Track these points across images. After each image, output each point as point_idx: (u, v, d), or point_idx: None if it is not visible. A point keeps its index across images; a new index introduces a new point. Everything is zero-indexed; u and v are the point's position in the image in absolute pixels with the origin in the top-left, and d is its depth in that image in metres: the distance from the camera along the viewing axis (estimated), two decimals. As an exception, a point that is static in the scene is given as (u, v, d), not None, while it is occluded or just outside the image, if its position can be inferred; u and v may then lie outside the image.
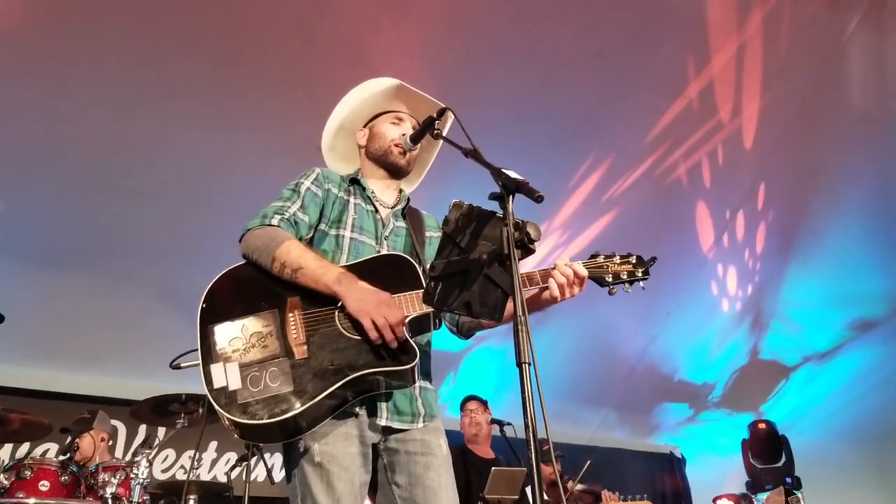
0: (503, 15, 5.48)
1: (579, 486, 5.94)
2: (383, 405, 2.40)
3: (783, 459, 8.93)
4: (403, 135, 2.73)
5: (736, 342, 8.92)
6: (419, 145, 2.75)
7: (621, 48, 5.80)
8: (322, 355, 2.30)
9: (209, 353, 2.28)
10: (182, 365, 2.61)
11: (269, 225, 2.45)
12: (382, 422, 2.39)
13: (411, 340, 2.33)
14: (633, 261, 2.62)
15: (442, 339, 2.77)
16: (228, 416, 2.19)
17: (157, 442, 5.09)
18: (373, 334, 2.25)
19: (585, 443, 8.99)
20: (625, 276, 2.59)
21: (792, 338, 8.98)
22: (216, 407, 2.20)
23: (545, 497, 5.38)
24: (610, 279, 2.58)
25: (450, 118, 2.65)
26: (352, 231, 2.60)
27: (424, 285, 2.37)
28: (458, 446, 5.63)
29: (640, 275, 2.61)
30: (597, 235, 7.25)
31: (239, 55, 5.42)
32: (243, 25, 5.27)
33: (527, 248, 2.04)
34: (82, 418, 5.46)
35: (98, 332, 6.82)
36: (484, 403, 5.93)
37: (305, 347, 2.30)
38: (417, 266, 2.47)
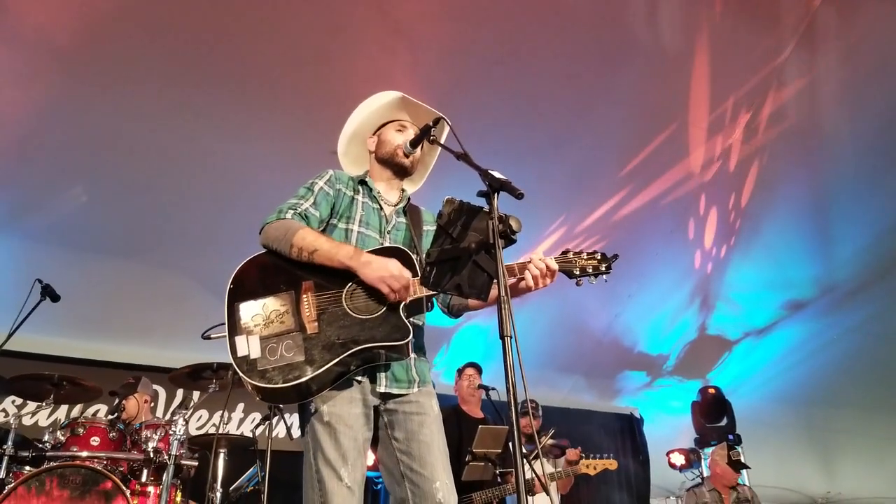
0: (492, 42, 5.48)
1: (550, 441, 5.93)
2: (382, 374, 2.43)
3: (726, 420, 8.96)
4: (405, 140, 2.74)
5: (686, 319, 8.95)
6: (419, 149, 2.75)
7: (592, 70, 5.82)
8: (330, 331, 2.32)
9: (235, 327, 2.32)
10: (212, 336, 2.61)
11: (284, 218, 2.46)
12: (382, 388, 2.42)
13: (406, 320, 2.35)
14: (598, 257, 2.62)
15: (436, 316, 2.78)
16: (250, 381, 2.23)
17: (192, 403, 5.07)
18: (391, 297, 2.32)
19: (558, 405, 9.01)
20: (590, 271, 2.59)
21: (734, 316, 9.02)
22: (239, 373, 2.24)
23: (523, 449, 5.38)
24: (577, 272, 2.58)
25: (445, 126, 2.65)
26: (359, 225, 2.61)
27: (420, 273, 2.41)
28: (452, 407, 5.62)
29: (603, 269, 2.60)
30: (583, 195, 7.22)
31: (265, 77, 5.43)
32: (270, 53, 5.28)
33: (509, 239, 2.06)
34: (128, 383, 5.46)
35: (142, 310, 6.83)
36: (480, 370, 5.89)
37: (316, 324, 2.32)
38: (414, 256, 2.49)
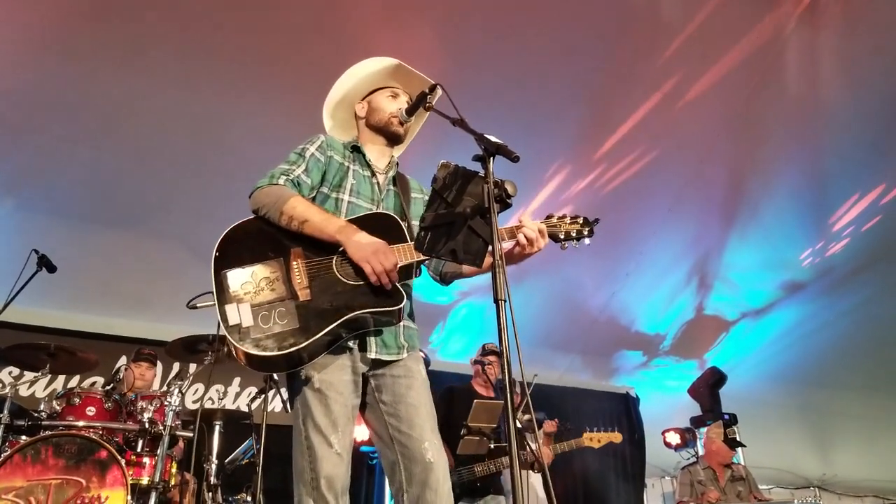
0: (490, 13, 5.45)
1: (526, 417, 5.92)
2: (372, 340, 2.43)
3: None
4: (400, 108, 2.71)
5: (684, 299, 8.95)
6: (414, 117, 2.73)
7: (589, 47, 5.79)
8: (322, 298, 2.30)
9: (223, 295, 2.28)
10: (198, 305, 2.56)
11: (276, 184, 2.43)
12: (372, 354, 2.42)
13: (398, 285, 2.35)
14: (580, 221, 2.66)
15: (432, 293, 2.78)
16: (243, 349, 2.20)
17: (188, 375, 5.09)
18: (372, 277, 2.28)
19: (554, 383, 9.04)
20: (574, 234, 2.63)
21: (732, 296, 9.02)
22: (231, 342, 2.21)
23: (518, 425, 5.39)
24: (562, 236, 2.62)
25: (438, 93, 2.61)
26: (350, 195, 2.59)
27: (408, 239, 2.42)
28: (466, 386, 5.64)
29: (585, 233, 2.65)
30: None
31: (264, 51, 5.41)
32: (269, 27, 5.27)
33: (505, 203, 2.05)
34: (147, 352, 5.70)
35: (137, 283, 6.82)
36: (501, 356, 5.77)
37: (308, 291, 2.31)
38: (402, 223, 2.49)
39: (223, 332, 2.23)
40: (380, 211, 2.59)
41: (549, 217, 2.67)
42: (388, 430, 2.41)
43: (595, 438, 5.54)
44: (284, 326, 2.24)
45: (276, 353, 2.20)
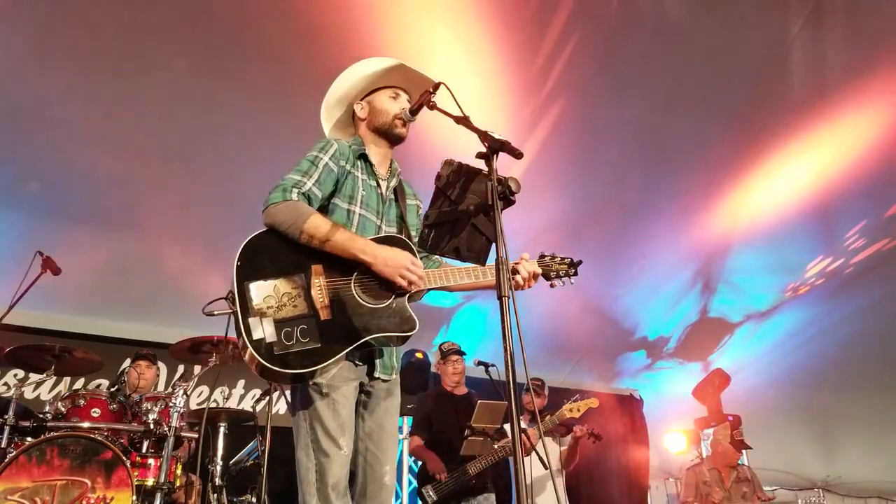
0: (487, 11, 5.45)
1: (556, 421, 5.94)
2: (377, 361, 2.53)
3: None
4: (403, 109, 2.68)
5: (688, 302, 8.92)
6: (417, 117, 2.69)
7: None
8: (342, 318, 2.34)
9: (247, 308, 2.27)
10: (215, 312, 2.54)
11: (290, 199, 2.38)
12: (377, 374, 2.53)
13: (412, 311, 2.43)
14: (568, 262, 2.89)
15: (437, 296, 2.81)
16: (268, 365, 2.21)
17: (193, 377, 5.09)
18: (407, 287, 2.40)
19: (559, 385, 9.02)
20: (562, 274, 2.88)
21: (736, 299, 8.98)
22: (256, 356, 2.20)
23: (523, 425, 5.39)
24: (553, 275, 2.87)
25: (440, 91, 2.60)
26: (360, 207, 2.59)
27: (421, 266, 2.48)
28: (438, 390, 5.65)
29: (572, 273, 2.90)
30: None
31: (273, 57, 5.40)
32: (280, 33, 5.27)
33: (508, 200, 2.05)
34: (148, 353, 5.69)
35: (142, 286, 6.82)
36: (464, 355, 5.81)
37: (329, 310, 2.33)
38: (415, 248, 2.52)
39: (247, 345, 2.21)
40: (389, 233, 2.61)
41: (542, 256, 2.88)
42: (359, 443, 2.52)
43: (574, 408, 5.55)
44: (307, 345, 2.26)
45: (298, 371, 2.24)
